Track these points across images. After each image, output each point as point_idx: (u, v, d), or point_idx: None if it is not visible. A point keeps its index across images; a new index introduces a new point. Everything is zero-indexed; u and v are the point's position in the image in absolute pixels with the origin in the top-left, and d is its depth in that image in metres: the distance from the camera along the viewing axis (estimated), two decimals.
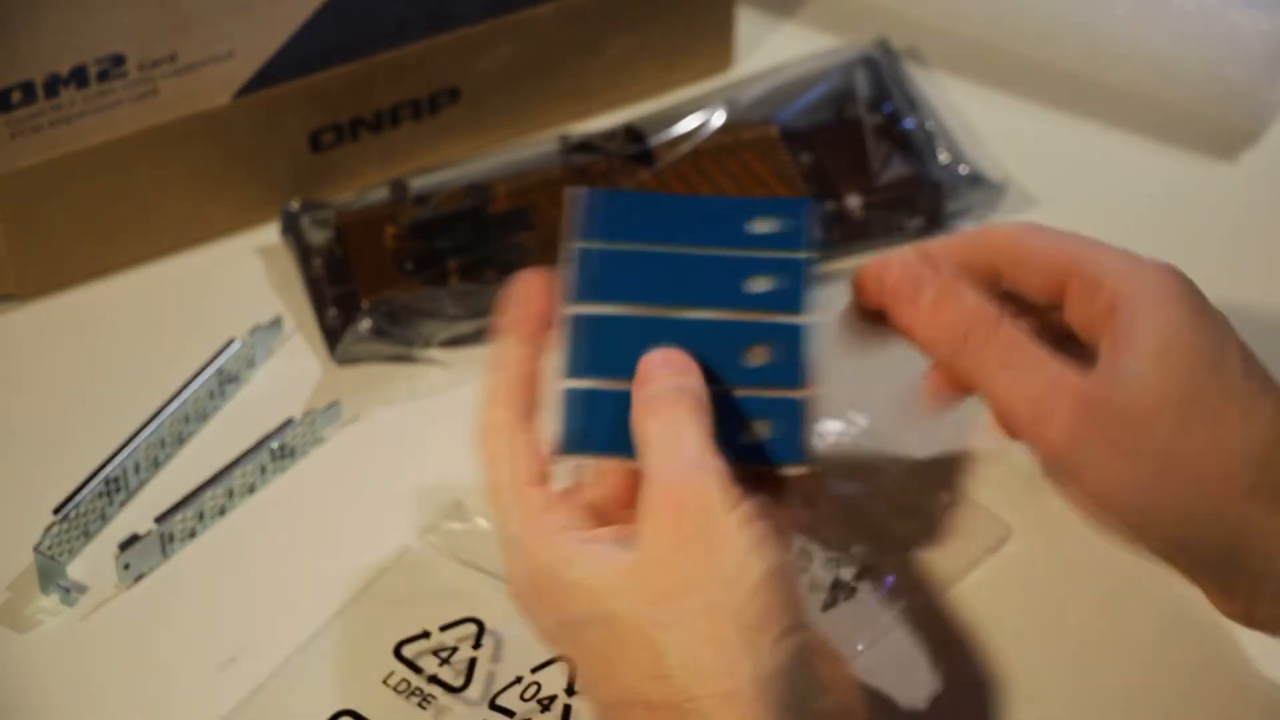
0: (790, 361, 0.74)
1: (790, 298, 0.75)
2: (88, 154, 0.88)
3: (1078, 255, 0.73)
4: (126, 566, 0.82)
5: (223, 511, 0.84)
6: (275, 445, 0.85)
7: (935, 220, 0.93)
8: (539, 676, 0.77)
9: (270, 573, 0.82)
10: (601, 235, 0.76)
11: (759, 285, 0.75)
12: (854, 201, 0.93)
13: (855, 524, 0.83)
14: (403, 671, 0.78)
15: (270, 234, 0.93)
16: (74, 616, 0.81)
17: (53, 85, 0.86)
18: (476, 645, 0.78)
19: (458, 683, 0.78)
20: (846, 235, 0.93)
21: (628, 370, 0.73)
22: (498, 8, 0.93)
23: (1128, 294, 0.71)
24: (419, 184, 0.93)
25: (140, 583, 0.82)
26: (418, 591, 0.80)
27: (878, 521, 0.83)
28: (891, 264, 0.74)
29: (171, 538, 0.83)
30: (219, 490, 0.84)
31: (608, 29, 0.96)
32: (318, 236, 0.91)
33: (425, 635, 0.79)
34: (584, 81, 0.98)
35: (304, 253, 0.91)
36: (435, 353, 0.90)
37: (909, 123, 0.95)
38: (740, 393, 0.73)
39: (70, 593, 0.82)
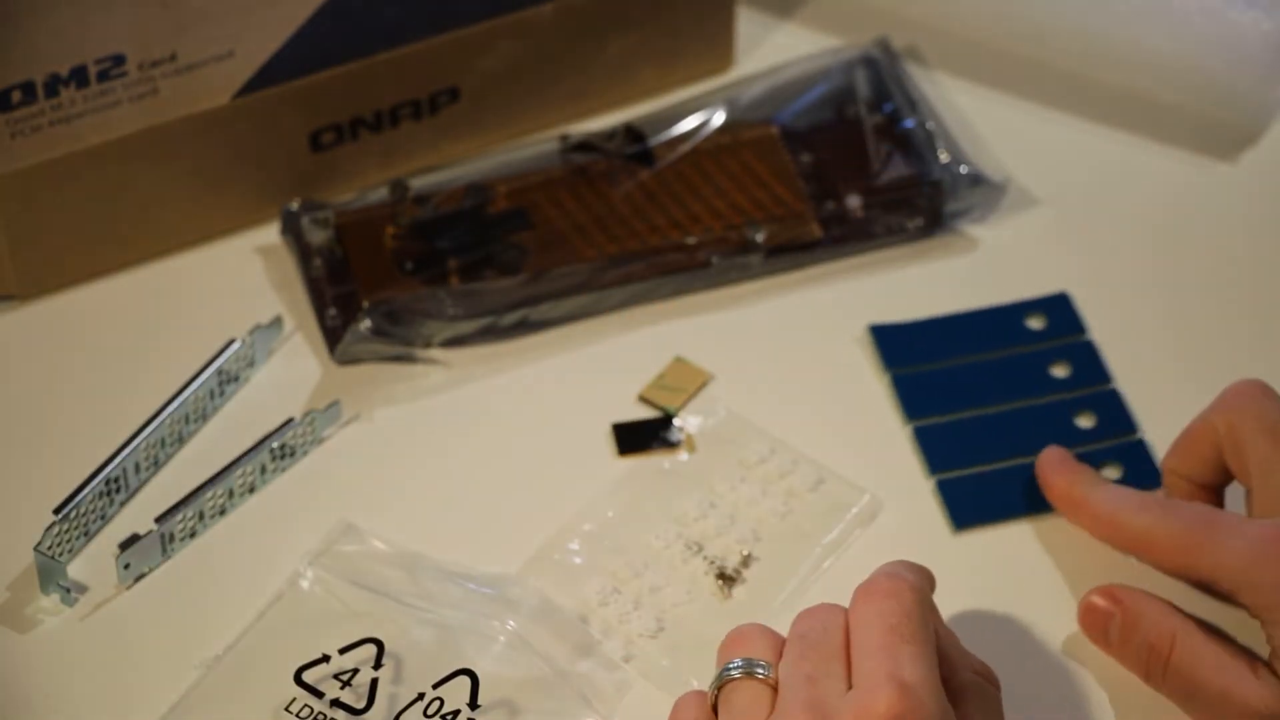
0: (1118, 415, 0.87)
1: (1095, 373, 0.89)
2: (88, 154, 0.88)
3: (1210, 424, 0.81)
4: (127, 566, 0.82)
5: (223, 511, 0.84)
6: (275, 445, 0.85)
7: (935, 220, 0.93)
8: (440, 692, 0.77)
9: (270, 573, 0.82)
10: (905, 362, 0.89)
11: (1061, 371, 0.89)
12: (854, 201, 0.93)
13: (734, 511, 0.84)
14: (304, 697, 0.77)
15: (270, 234, 0.93)
16: (74, 616, 0.81)
17: (53, 85, 0.86)
18: (377, 666, 0.78)
19: (360, 705, 0.77)
20: (847, 235, 0.93)
21: (987, 458, 0.86)
22: (498, 8, 0.93)
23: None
24: (419, 184, 0.93)
25: (140, 583, 0.82)
26: (314, 616, 0.80)
27: (753, 505, 0.85)
28: (1083, 604, 0.81)
29: (172, 538, 0.83)
30: (219, 490, 0.84)
31: (608, 29, 0.96)
32: (318, 236, 0.91)
33: (325, 659, 0.78)
34: (584, 81, 0.98)
35: (304, 253, 0.91)
36: (435, 353, 0.90)
37: (909, 122, 0.95)
38: (1083, 449, 0.86)
39: (70, 593, 0.82)
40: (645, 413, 0.88)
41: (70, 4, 0.84)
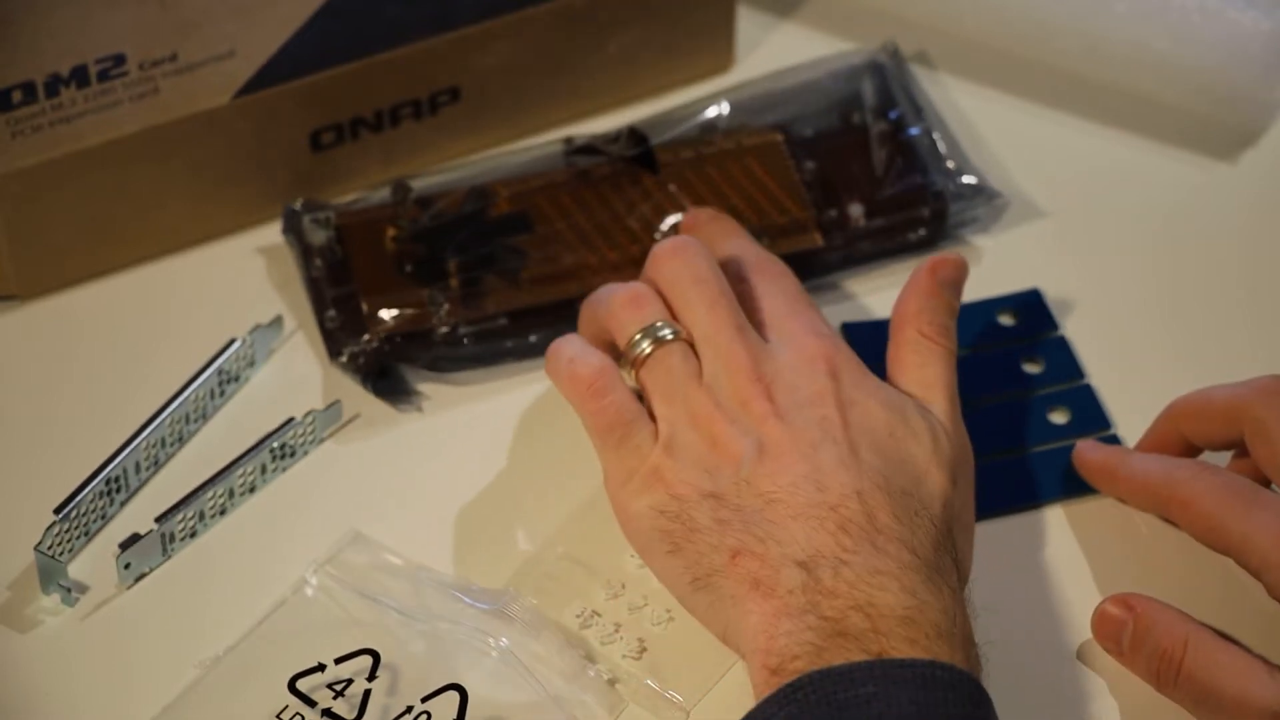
0: (1093, 410, 0.87)
1: (1068, 368, 0.89)
2: (88, 154, 0.88)
3: (1243, 404, 0.81)
4: (127, 566, 0.82)
5: (223, 511, 0.84)
6: (275, 445, 0.85)
7: (939, 230, 0.93)
8: (429, 706, 0.77)
9: (271, 573, 0.82)
10: (879, 360, 0.85)
11: (1034, 368, 0.89)
12: (856, 210, 0.93)
13: None
14: (296, 705, 0.77)
15: (271, 234, 0.93)
16: (74, 616, 0.81)
17: (53, 85, 0.86)
18: (371, 677, 0.78)
19: (350, 716, 0.77)
20: (848, 244, 0.92)
21: None
22: (498, 8, 0.93)
23: None
24: (420, 185, 0.92)
25: (140, 583, 0.83)
26: (315, 623, 0.80)
27: None
28: (1097, 612, 0.80)
29: (172, 537, 0.83)
30: (219, 490, 0.84)
31: (608, 28, 0.96)
32: (318, 237, 0.91)
33: (320, 668, 0.78)
34: (584, 81, 0.97)
35: (305, 253, 0.91)
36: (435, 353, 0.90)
37: (914, 130, 0.95)
38: (1060, 444, 0.86)
39: (71, 593, 0.82)
40: None
41: (70, 4, 0.84)
